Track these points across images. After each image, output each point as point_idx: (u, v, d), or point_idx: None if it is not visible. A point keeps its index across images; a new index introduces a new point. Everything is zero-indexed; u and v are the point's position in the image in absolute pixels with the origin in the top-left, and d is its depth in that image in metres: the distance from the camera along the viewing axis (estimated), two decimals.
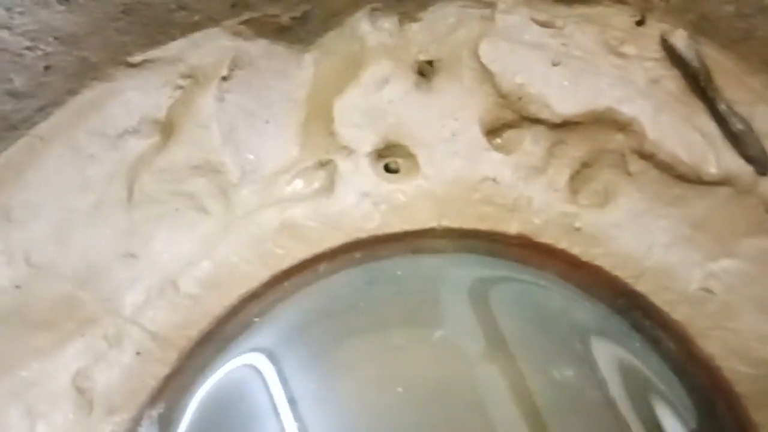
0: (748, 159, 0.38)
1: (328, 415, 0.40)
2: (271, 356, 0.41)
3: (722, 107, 0.38)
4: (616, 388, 0.41)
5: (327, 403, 0.40)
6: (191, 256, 0.38)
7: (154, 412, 0.38)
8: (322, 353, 0.42)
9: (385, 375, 0.42)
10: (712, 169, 0.39)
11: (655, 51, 0.39)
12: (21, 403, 0.33)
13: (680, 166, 0.39)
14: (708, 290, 0.39)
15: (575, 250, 0.41)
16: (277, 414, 0.38)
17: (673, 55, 0.39)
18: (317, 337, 0.43)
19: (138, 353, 0.37)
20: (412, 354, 0.43)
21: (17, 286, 0.37)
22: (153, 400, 0.38)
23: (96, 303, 0.37)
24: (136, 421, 0.37)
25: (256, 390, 0.41)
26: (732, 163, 0.39)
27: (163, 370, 0.38)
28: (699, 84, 0.38)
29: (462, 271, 0.44)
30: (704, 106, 0.39)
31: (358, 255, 0.43)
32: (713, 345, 0.39)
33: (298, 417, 0.39)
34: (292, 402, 0.40)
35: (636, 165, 0.40)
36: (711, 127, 0.39)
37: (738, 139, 0.38)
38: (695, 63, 0.38)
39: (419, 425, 0.40)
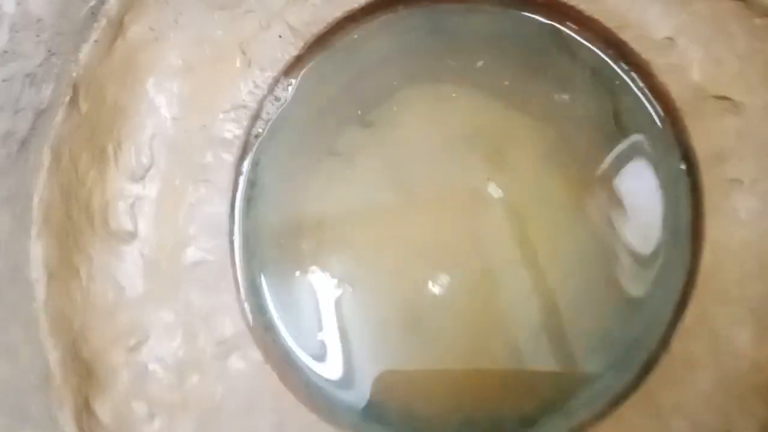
0: None
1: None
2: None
3: None
4: (601, 106, 0.60)
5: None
6: None
7: (287, 80, 0.60)
8: None
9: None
10: None
11: None
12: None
13: None
14: (671, 39, 0.57)
15: (582, 6, 0.59)
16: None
17: None
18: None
19: (280, 36, 0.59)
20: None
21: None
22: (287, 70, 0.60)
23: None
24: (276, 80, 0.60)
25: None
26: None
27: (294, 52, 0.60)
28: None
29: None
30: None
31: None
32: (669, 79, 0.58)
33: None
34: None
35: None
36: None
37: None
38: None
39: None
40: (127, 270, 0.53)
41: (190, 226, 0.56)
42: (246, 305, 0.57)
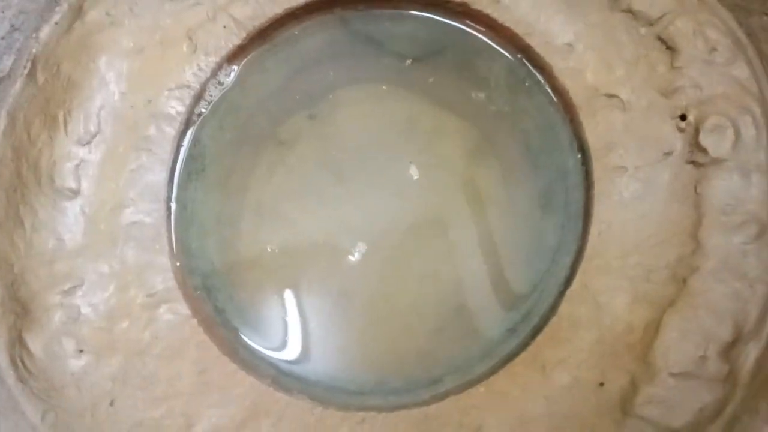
0: None
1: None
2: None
3: None
4: (513, 104, 0.69)
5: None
6: None
7: (229, 67, 0.68)
8: None
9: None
10: None
11: None
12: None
13: None
14: (570, 45, 0.66)
15: (495, 15, 0.68)
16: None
17: None
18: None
19: (225, 27, 0.67)
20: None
21: None
22: (230, 57, 0.68)
23: None
24: (219, 66, 0.67)
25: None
26: None
27: (237, 42, 0.68)
28: None
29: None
30: None
31: None
32: (568, 80, 0.66)
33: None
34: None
35: None
36: None
37: None
38: None
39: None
40: (68, 224, 0.59)
41: (130, 189, 0.62)
42: (178, 265, 0.63)
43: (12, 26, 0.63)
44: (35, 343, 0.54)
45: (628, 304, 0.59)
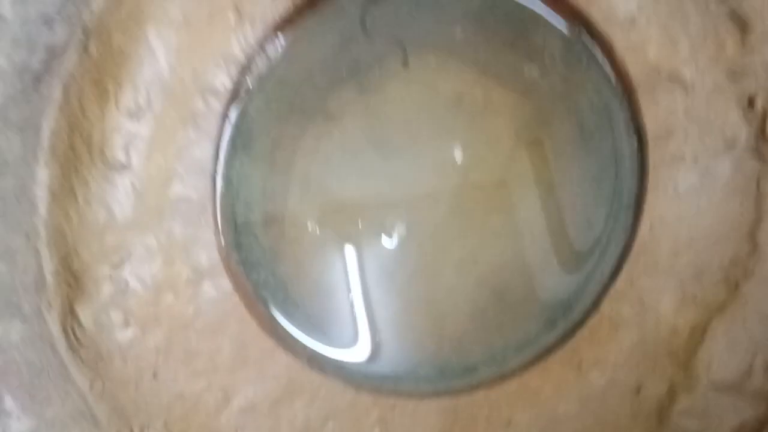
0: None
1: None
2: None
3: None
4: (564, 78, 0.65)
5: None
6: None
7: (276, 38, 0.67)
8: None
9: None
10: None
11: None
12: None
13: None
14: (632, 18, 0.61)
15: None
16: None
17: None
18: None
19: None
20: None
21: None
22: (277, 28, 0.67)
23: None
24: (267, 37, 0.67)
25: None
26: None
27: (283, 12, 0.67)
28: None
29: None
30: None
31: None
32: (628, 56, 0.62)
33: None
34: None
35: None
36: None
37: None
38: None
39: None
40: (118, 197, 0.61)
41: (178, 164, 0.64)
42: (222, 240, 0.65)
43: None
44: (85, 314, 0.58)
45: (675, 307, 0.56)
